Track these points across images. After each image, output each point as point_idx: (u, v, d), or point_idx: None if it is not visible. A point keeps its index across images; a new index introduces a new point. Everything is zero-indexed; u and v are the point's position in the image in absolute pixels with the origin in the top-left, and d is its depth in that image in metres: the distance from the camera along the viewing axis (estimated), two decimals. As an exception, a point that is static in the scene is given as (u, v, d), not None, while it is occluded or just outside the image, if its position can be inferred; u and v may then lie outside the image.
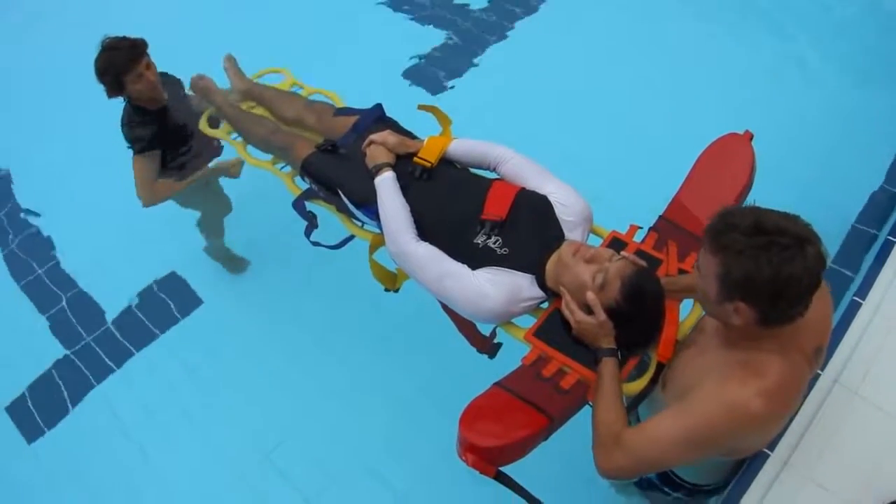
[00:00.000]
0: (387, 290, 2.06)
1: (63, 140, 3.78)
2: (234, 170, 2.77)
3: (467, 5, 4.19)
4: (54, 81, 4.07)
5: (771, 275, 1.15)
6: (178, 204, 2.75)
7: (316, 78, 2.70)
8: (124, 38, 2.34)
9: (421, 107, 2.26)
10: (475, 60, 3.86)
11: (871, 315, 1.83)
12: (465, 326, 1.85)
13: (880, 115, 3.20)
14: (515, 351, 1.72)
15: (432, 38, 4.01)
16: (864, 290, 1.88)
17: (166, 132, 2.52)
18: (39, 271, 3.28)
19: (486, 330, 1.87)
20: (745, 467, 1.60)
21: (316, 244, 2.14)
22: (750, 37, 3.65)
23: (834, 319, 1.61)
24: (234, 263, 3.18)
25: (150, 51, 2.39)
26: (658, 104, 3.37)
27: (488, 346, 1.88)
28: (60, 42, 4.29)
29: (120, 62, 2.30)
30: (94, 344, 2.97)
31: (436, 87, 3.73)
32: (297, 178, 2.28)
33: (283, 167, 2.38)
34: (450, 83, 3.76)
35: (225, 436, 2.64)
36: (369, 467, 2.48)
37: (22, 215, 3.55)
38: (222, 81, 2.62)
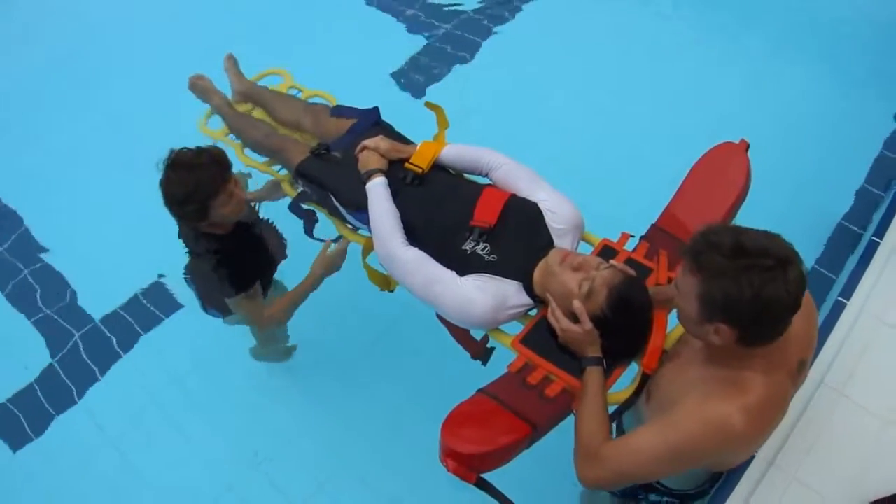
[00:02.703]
0: (382, 290, 2.06)
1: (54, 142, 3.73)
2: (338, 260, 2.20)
3: (455, 7, 4.20)
4: (45, 86, 4.00)
5: (752, 296, 1.14)
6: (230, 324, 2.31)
7: (306, 78, 2.67)
8: (200, 151, 1.82)
9: (428, 104, 2.24)
10: (462, 64, 3.85)
11: (855, 315, 1.85)
12: (459, 333, 1.85)
13: (865, 119, 3.25)
14: (504, 358, 1.71)
15: (417, 41, 4.01)
16: (848, 291, 1.91)
17: (246, 246, 2.04)
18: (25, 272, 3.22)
19: (478, 336, 1.86)
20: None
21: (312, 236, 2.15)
22: (743, 44, 3.70)
23: (819, 320, 1.62)
24: (288, 353, 2.77)
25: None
26: (651, 112, 3.38)
27: (481, 352, 1.88)
28: (53, 46, 4.20)
29: (207, 184, 1.78)
30: (80, 345, 2.92)
31: (419, 91, 3.71)
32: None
33: (279, 169, 2.37)
34: (434, 86, 3.74)
35: (212, 444, 2.61)
36: (359, 474, 2.47)
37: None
38: (220, 82, 2.60)
